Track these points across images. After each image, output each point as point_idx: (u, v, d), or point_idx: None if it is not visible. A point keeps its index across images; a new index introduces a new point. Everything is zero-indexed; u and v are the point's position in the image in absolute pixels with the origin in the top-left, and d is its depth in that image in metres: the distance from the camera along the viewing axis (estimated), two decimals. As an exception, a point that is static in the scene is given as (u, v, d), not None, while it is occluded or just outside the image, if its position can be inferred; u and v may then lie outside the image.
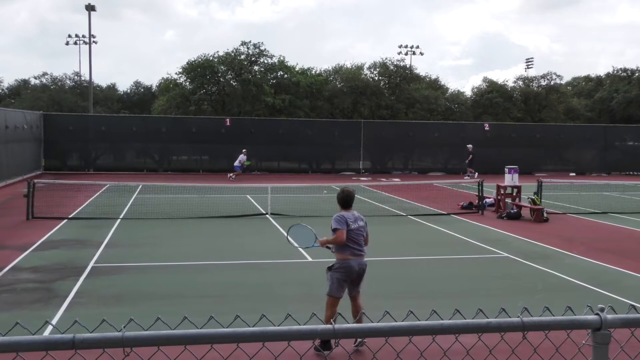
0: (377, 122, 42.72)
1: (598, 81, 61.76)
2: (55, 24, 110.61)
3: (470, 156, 36.04)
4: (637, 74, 55.24)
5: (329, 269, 7.90)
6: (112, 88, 64.24)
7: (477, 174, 36.11)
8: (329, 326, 2.63)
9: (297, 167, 39.65)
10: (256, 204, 21.75)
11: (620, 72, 57.82)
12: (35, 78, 59.29)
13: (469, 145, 36.19)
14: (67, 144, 36.94)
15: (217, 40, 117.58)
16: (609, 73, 59.84)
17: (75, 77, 59.55)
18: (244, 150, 33.27)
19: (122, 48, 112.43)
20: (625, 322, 2.91)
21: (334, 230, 7.92)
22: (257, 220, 18.83)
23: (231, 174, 32.58)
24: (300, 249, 8.41)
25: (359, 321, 6.95)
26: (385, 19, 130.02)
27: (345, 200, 8.09)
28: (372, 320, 2.78)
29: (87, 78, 53.40)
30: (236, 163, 32.96)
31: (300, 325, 2.64)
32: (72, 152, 37.71)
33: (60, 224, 17.19)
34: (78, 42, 57.32)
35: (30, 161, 33.45)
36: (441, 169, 40.93)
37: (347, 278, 7.74)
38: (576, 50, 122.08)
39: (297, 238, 8.42)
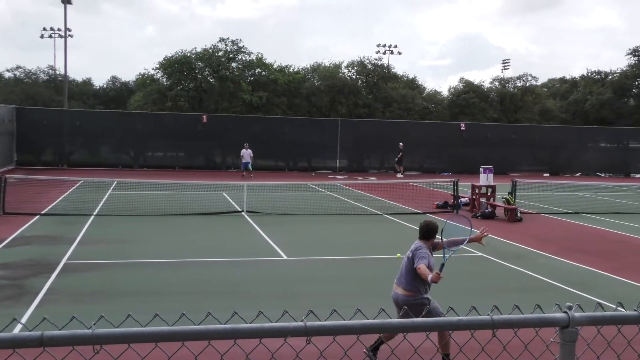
0: (354, 121, 42.80)
1: (573, 83, 62.52)
2: (32, 17, 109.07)
3: (400, 154, 36.48)
4: (610, 77, 56.06)
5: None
6: (87, 83, 63.52)
7: (402, 174, 36.52)
8: (300, 324, 2.63)
9: (274, 164, 39.57)
10: (232, 202, 21.68)
11: (594, 74, 58.64)
12: (8, 71, 58.47)
13: (400, 144, 36.58)
14: (40, 139, 36.39)
15: (197, 37, 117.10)
16: (583, 75, 60.65)
17: (50, 70, 58.83)
18: (245, 144, 33.17)
19: (100, 42, 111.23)
20: (592, 320, 2.96)
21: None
22: (233, 217, 18.78)
23: (244, 173, 32.67)
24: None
25: (445, 349, 6.13)
26: (365, 18, 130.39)
27: (421, 230, 7.57)
28: (343, 318, 2.79)
29: (62, 72, 52.78)
30: (247, 159, 32.85)
31: (272, 322, 2.65)
32: (46, 147, 37.19)
33: (33, 220, 16.96)
34: (53, 35, 56.63)
35: (2, 155, 32.91)
36: (417, 168, 41.13)
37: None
38: (552, 52, 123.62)
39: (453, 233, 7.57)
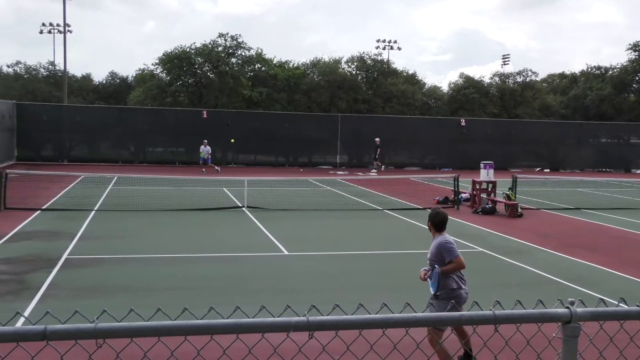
0: (354, 116, 42.79)
1: (572, 78, 62.48)
2: (32, 12, 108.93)
3: (379, 150, 36.12)
4: (610, 72, 55.99)
5: (435, 297, 6.80)
6: (87, 78, 63.44)
7: (383, 167, 36.27)
8: (302, 318, 2.63)
9: (274, 160, 39.58)
10: (232, 197, 21.68)
11: (594, 69, 58.59)
12: (8, 66, 58.39)
13: (377, 139, 36.23)
14: (40, 134, 36.42)
15: (198, 32, 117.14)
16: (583, 70, 60.60)
17: (50, 66, 58.77)
18: (204, 141, 33.17)
19: (100, 38, 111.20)
20: (594, 315, 2.96)
21: (454, 258, 6.83)
22: (234, 213, 18.78)
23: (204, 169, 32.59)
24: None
25: (467, 344, 6.30)
26: (364, 14, 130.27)
27: (443, 222, 7.15)
28: (345, 313, 2.80)
29: (62, 67, 52.73)
30: (206, 156, 32.80)
31: (274, 317, 2.65)
32: (46, 142, 37.20)
33: (33, 215, 16.97)
34: (52, 30, 56.58)
35: (2, 151, 32.94)
36: (417, 163, 41.16)
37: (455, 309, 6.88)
38: (552, 47, 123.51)
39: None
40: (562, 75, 66.28)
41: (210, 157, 32.94)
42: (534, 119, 49.22)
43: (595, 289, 10.58)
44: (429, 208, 20.41)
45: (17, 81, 53.56)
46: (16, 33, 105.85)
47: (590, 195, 25.96)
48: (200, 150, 32.97)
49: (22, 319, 7.26)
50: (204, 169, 32.39)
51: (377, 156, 36.38)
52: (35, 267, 11.26)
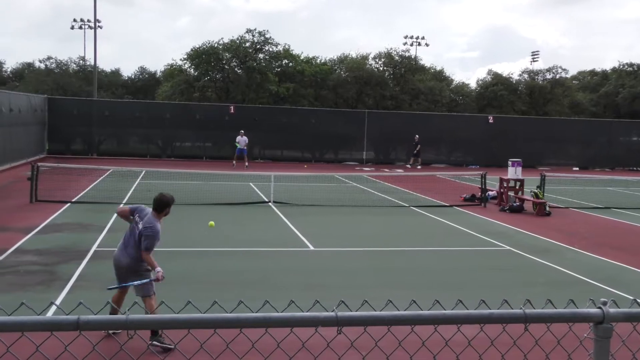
0: (381, 113, 42.62)
1: (604, 75, 61.45)
2: (68, 8, 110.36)
3: (418, 146, 36.22)
4: (643, 69, 55.00)
5: None
6: (116, 73, 64.17)
7: (420, 166, 36.37)
8: (331, 314, 2.63)
9: (301, 156, 39.60)
10: (259, 192, 21.77)
11: (626, 66, 57.53)
12: (40, 62, 59.32)
13: (417, 136, 36.26)
14: (71, 128, 36.92)
15: (230, 28, 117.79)
16: (615, 67, 59.56)
17: (80, 61, 59.56)
18: (241, 131, 33.39)
19: (130, 33, 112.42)
20: (628, 317, 2.91)
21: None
22: (260, 208, 18.86)
23: (235, 162, 32.71)
24: None
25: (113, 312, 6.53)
26: (393, 10, 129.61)
27: (155, 203, 8.37)
28: (374, 309, 2.79)
29: (92, 62, 53.41)
30: (243, 146, 32.97)
31: (303, 312, 2.66)
32: (76, 136, 37.70)
33: (64, 208, 17.23)
34: (83, 26, 57.33)
35: (34, 144, 33.46)
36: (444, 160, 40.88)
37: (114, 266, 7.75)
38: (584, 44, 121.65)
39: None
40: (593, 73, 65.24)
41: (246, 148, 33.06)
42: (564, 117, 48.54)
43: (625, 289, 10.42)
44: (456, 205, 20.39)
45: (49, 76, 54.36)
46: (52, 29, 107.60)
47: (621, 195, 25.54)
48: (237, 141, 33.10)
49: (53, 309, 7.39)
50: (234, 162, 32.48)
51: (415, 152, 36.64)
52: (65, 258, 11.44)
